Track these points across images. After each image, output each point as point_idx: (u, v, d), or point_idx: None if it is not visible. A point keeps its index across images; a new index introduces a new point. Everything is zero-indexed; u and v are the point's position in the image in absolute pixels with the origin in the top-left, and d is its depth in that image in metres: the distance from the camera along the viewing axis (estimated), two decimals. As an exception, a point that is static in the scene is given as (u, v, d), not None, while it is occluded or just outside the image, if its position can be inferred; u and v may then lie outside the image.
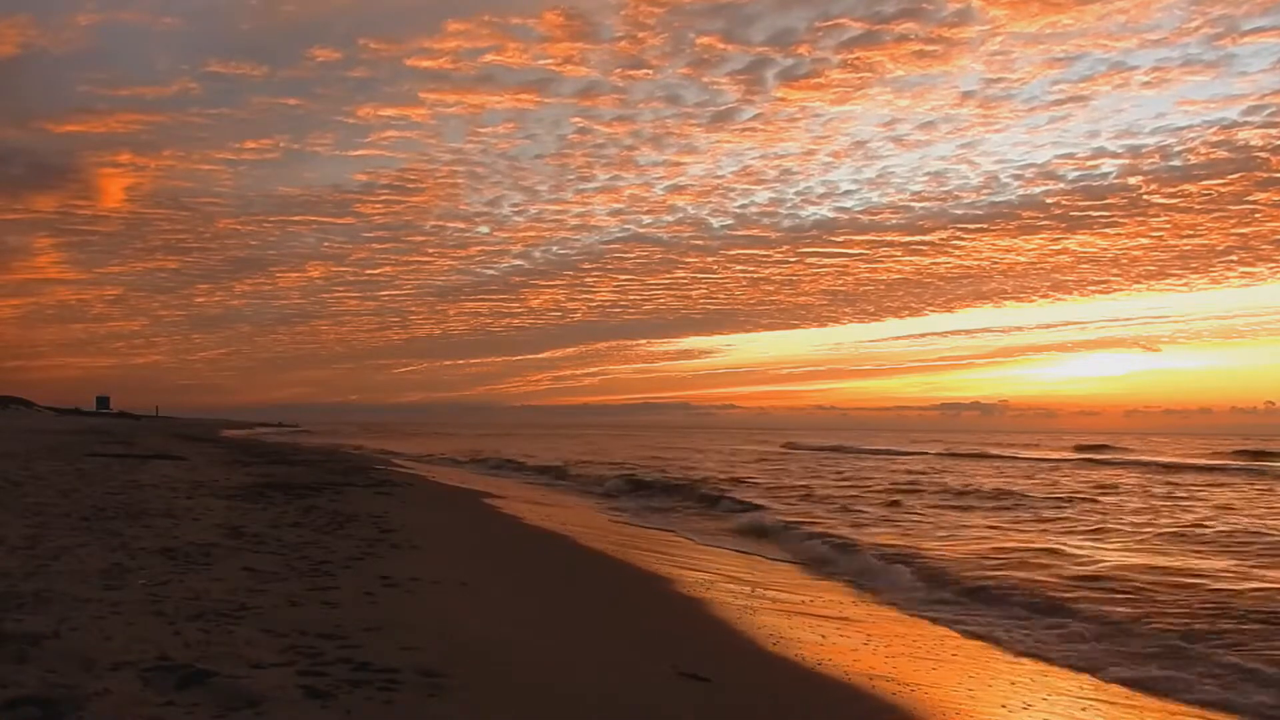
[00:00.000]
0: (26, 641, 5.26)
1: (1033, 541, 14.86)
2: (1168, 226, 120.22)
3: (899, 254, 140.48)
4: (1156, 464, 41.37)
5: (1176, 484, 28.86)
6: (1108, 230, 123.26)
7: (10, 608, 6.07)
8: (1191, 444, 71.03)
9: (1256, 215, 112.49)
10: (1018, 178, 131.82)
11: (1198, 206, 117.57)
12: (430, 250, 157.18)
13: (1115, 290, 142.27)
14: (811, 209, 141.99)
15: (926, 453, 53.87)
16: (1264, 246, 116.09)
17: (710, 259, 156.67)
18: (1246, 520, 18.40)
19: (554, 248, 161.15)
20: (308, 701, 4.62)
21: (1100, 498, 23.30)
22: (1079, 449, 59.71)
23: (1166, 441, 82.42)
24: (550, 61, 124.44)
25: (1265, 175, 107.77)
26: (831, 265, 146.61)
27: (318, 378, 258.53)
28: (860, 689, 6.28)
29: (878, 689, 6.29)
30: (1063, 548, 14.09)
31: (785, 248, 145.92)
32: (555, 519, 16.68)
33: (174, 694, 4.58)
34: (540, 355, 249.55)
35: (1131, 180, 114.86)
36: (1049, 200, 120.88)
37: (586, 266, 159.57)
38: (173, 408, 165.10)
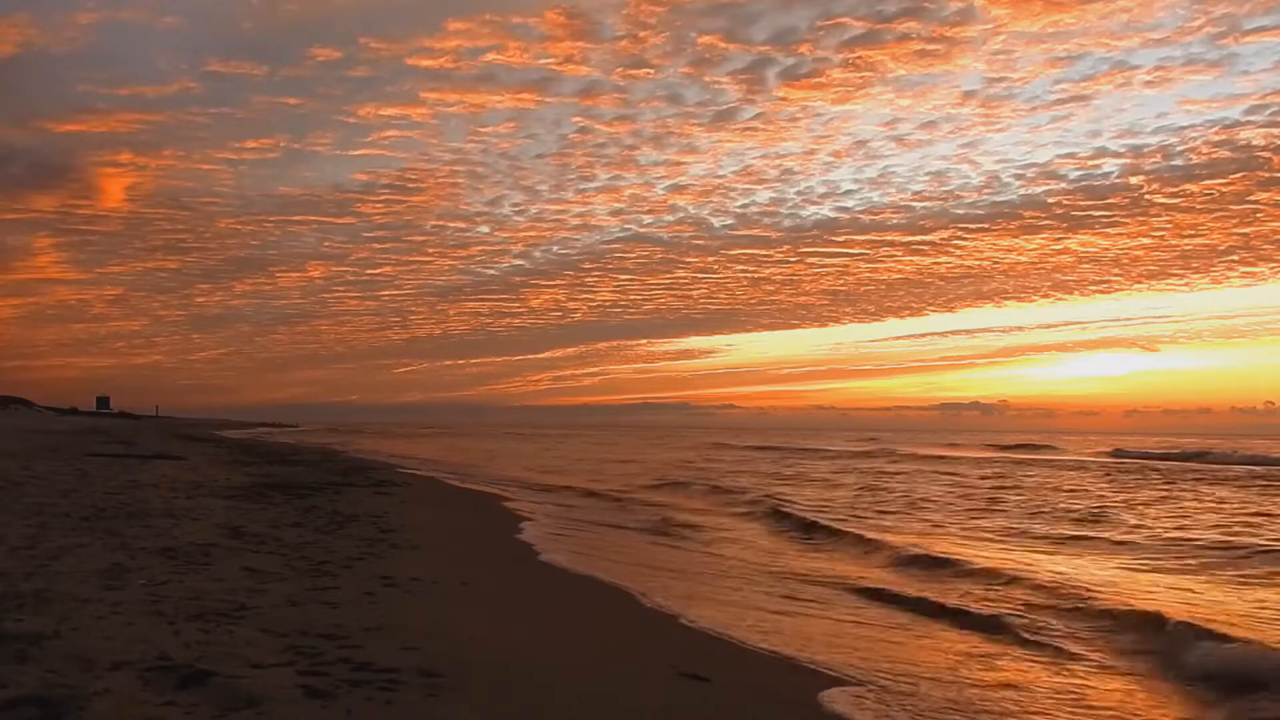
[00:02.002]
0: (26, 641, 5.26)
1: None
2: (1169, 226, 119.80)
3: (900, 254, 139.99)
4: (1016, 460, 47.25)
5: (964, 475, 32.75)
6: (1109, 230, 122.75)
7: (10, 608, 6.08)
8: (1124, 443, 74.10)
9: (1258, 215, 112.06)
10: (1019, 177, 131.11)
11: (1199, 206, 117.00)
12: (430, 250, 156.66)
13: (1116, 290, 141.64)
14: (812, 209, 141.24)
15: (855, 453, 55.97)
16: (1265, 246, 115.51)
17: (711, 259, 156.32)
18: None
19: (554, 247, 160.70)
20: (308, 701, 4.62)
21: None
22: (1000, 448, 64.62)
23: (1099, 441, 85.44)
24: (551, 61, 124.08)
25: (1267, 175, 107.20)
26: (832, 265, 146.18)
27: (318, 378, 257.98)
28: (856, 683, 6.28)
29: (875, 683, 6.30)
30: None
31: (786, 247, 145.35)
32: (559, 519, 16.69)
33: (174, 694, 4.58)
34: (540, 355, 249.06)
35: (1133, 180, 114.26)
36: (1050, 200, 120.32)
37: (587, 266, 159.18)
38: (173, 408, 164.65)
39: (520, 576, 10.16)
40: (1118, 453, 56.51)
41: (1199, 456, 49.45)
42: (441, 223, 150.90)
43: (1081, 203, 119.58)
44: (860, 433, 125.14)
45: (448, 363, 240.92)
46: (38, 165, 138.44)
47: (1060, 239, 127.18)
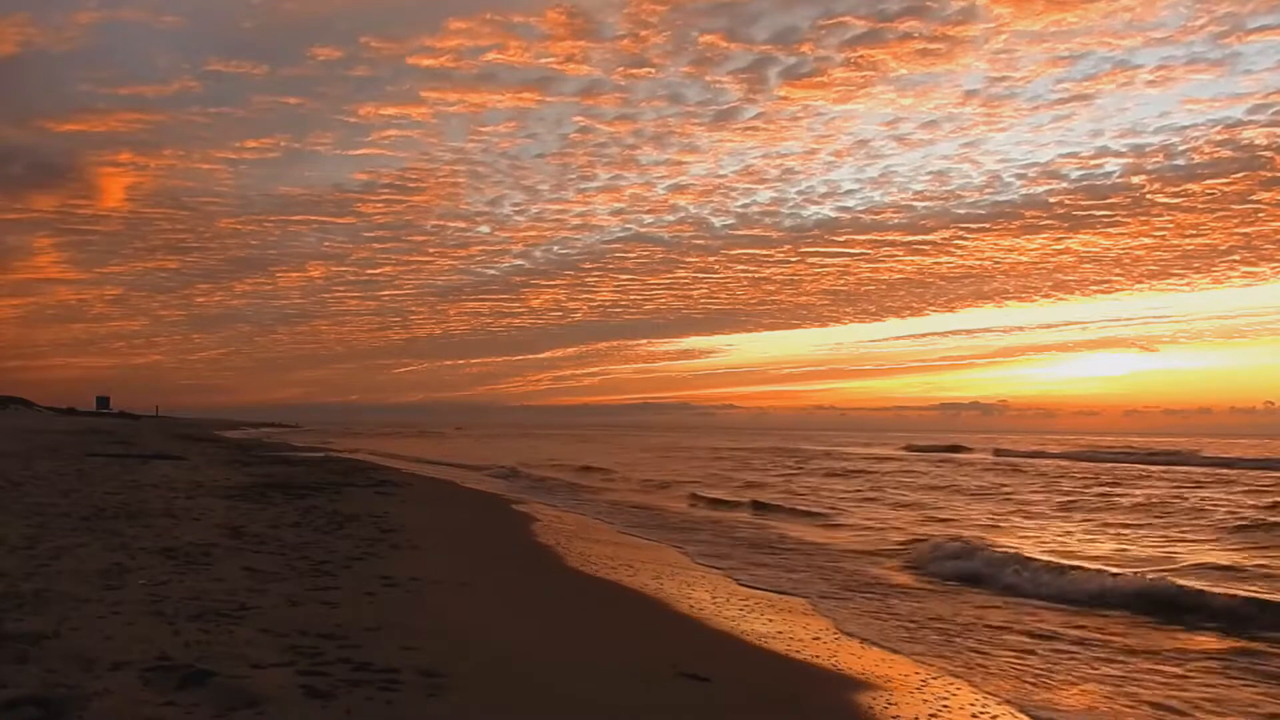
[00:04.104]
0: (26, 641, 5.26)
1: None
2: (1171, 226, 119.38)
3: (901, 254, 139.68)
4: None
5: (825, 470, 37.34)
6: (1110, 230, 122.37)
7: (10, 608, 6.07)
8: (1130, 442, 79.96)
9: (1260, 215, 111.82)
10: (1020, 177, 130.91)
11: (1201, 206, 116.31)
12: (431, 250, 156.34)
13: (1117, 290, 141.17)
14: (813, 208, 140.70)
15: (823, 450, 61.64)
16: (1267, 246, 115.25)
17: (712, 258, 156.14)
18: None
19: (555, 247, 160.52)
20: (308, 701, 4.62)
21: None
22: (909, 448, 68.32)
23: (1042, 442, 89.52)
24: (552, 60, 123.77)
25: (1269, 174, 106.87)
26: (833, 265, 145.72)
27: (318, 378, 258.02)
28: (853, 679, 6.29)
29: (871, 679, 6.31)
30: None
31: (787, 247, 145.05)
32: (557, 519, 16.69)
33: (174, 694, 4.58)
34: (540, 355, 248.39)
35: (1135, 179, 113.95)
36: (1052, 200, 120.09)
37: (587, 266, 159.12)
38: (173, 408, 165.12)
39: (521, 576, 10.16)
40: (998, 452, 59.92)
41: (1088, 456, 53.09)
42: (442, 222, 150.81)
43: (1083, 202, 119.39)
44: (865, 433, 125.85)
45: (448, 363, 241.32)
46: (38, 165, 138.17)
47: (1061, 239, 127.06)
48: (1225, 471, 37.37)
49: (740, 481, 28.95)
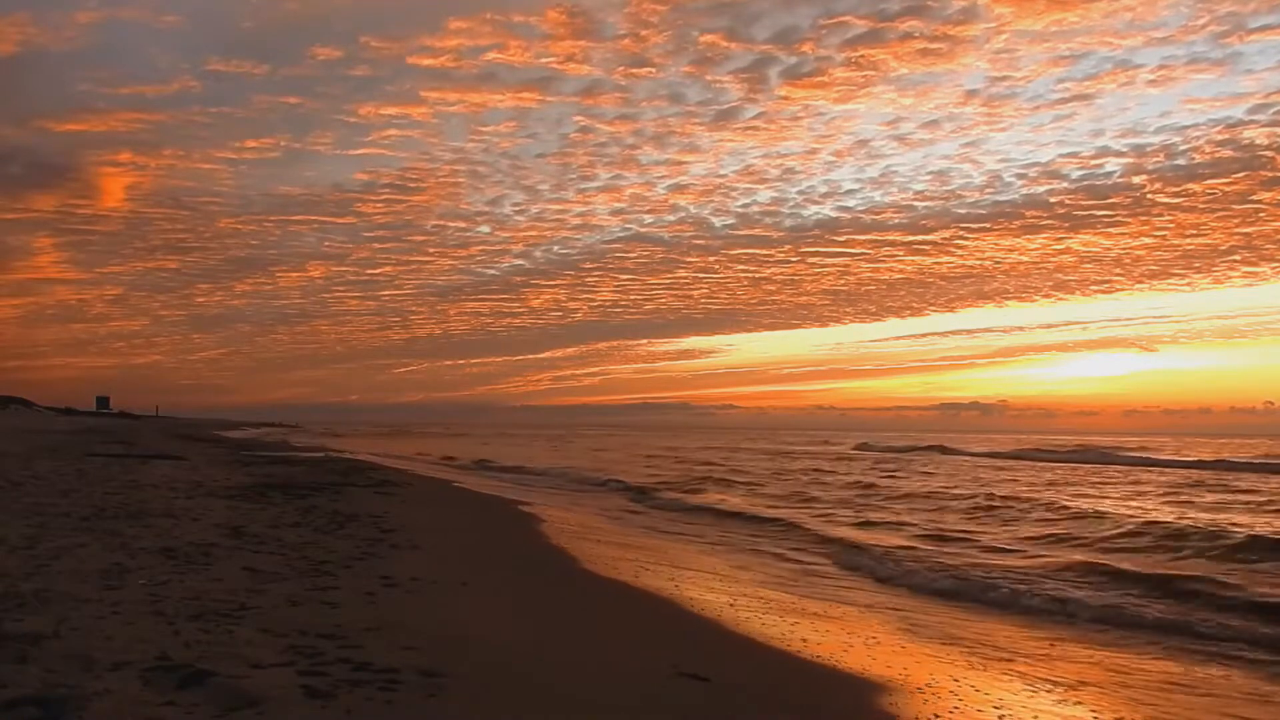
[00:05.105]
0: (26, 641, 5.26)
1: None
2: (1171, 226, 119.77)
3: (901, 253, 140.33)
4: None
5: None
6: (1111, 230, 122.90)
7: (10, 608, 6.08)
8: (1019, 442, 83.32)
9: (1261, 214, 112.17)
10: (1021, 177, 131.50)
11: (1202, 206, 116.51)
12: (431, 250, 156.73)
13: (1118, 290, 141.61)
14: (814, 208, 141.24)
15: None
16: (1268, 246, 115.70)
17: (712, 258, 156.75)
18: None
19: (555, 247, 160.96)
20: (308, 701, 4.62)
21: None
22: (859, 447, 71.82)
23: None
24: (552, 60, 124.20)
25: (1270, 174, 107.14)
26: (833, 265, 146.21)
27: (318, 378, 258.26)
28: (854, 677, 6.29)
29: (870, 676, 6.31)
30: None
31: (787, 247, 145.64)
32: (560, 520, 16.68)
33: (174, 694, 4.58)
34: (541, 355, 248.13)
35: (1136, 179, 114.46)
36: (1052, 199, 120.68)
37: (588, 266, 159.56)
38: (173, 408, 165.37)
39: (520, 575, 10.16)
40: (942, 450, 64.28)
41: (1029, 455, 57.06)
42: (442, 222, 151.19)
43: (1084, 202, 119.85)
44: (863, 433, 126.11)
45: (448, 363, 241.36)
46: (38, 165, 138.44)
47: (1062, 239, 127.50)
48: (1145, 471, 38.57)
49: (666, 478, 30.91)
